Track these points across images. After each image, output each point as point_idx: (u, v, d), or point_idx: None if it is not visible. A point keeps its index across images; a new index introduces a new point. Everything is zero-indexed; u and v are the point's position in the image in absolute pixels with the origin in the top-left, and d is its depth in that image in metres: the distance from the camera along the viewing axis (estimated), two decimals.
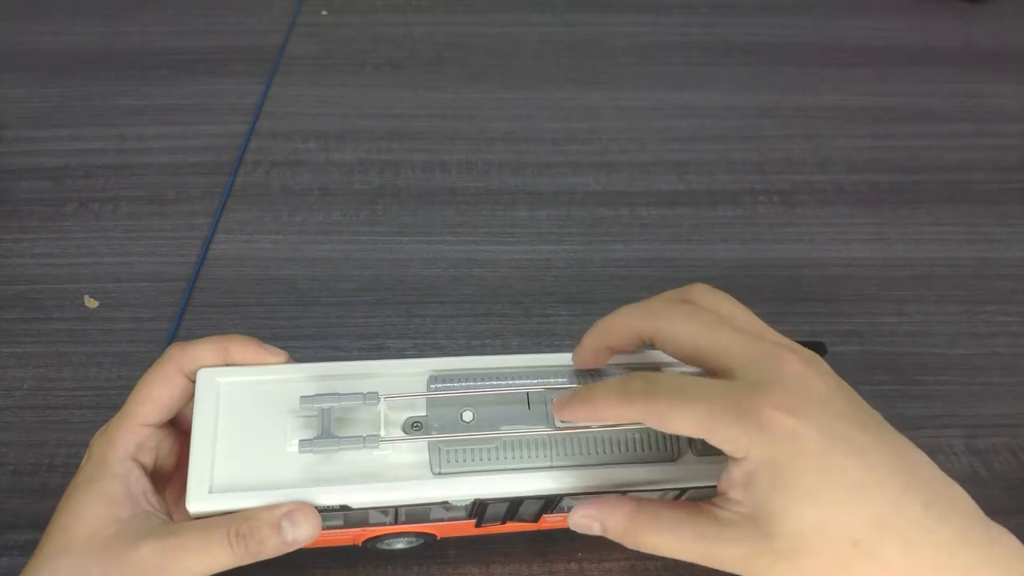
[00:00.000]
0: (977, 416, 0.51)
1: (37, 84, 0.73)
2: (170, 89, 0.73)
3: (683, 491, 0.37)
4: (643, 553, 0.42)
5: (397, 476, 0.35)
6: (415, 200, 0.64)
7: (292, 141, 0.69)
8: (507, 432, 0.36)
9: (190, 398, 0.37)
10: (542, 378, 0.37)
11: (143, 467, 0.36)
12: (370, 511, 0.36)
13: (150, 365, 0.38)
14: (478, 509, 0.37)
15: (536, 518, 0.39)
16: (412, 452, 0.35)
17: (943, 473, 0.32)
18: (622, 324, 0.36)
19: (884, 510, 0.31)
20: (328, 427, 0.35)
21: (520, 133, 0.71)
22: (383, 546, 0.41)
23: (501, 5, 0.87)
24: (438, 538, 0.41)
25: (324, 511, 0.34)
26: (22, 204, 0.62)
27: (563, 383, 0.37)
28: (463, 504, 0.36)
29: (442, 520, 0.38)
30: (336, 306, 0.55)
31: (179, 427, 0.39)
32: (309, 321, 0.54)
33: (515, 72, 0.78)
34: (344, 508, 0.35)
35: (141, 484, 0.36)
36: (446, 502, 0.35)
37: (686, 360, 0.34)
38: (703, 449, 0.36)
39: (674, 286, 0.42)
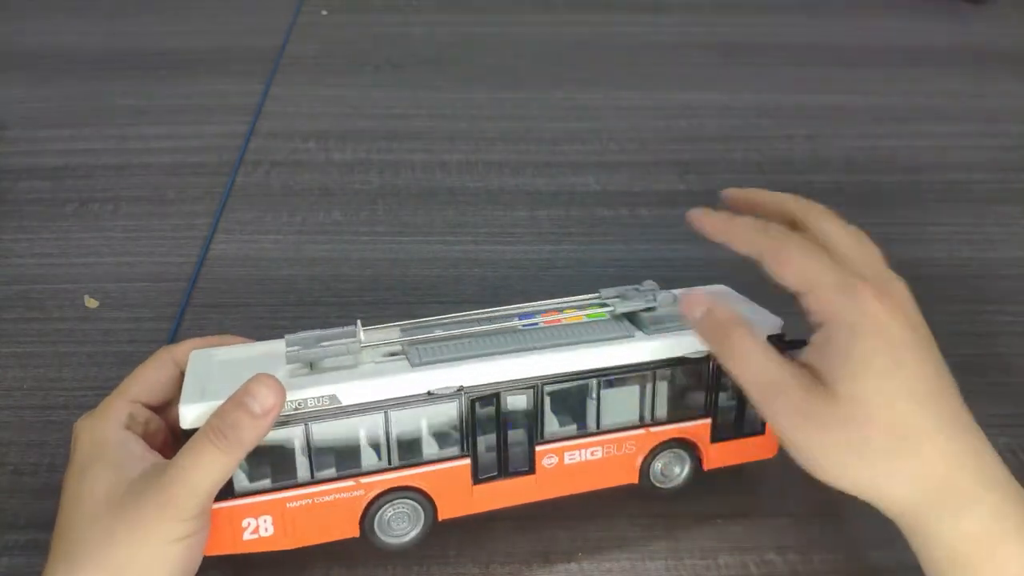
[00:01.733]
0: (977, 416, 0.50)
1: (37, 84, 0.73)
2: (170, 89, 0.73)
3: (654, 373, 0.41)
4: (643, 553, 0.42)
5: (380, 374, 0.37)
6: (415, 200, 0.64)
7: (292, 141, 0.69)
8: (478, 328, 0.39)
9: (179, 386, 0.38)
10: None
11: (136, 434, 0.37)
12: (362, 446, 0.37)
13: None
14: (469, 430, 0.38)
15: (530, 459, 0.40)
16: (393, 364, 0.38)
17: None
18: (743, 242, 0.38)
19: (939, 423, 0.34)
20: (312, 343, 0.38)
21: (520, 133, 0.71)
22: (383, 535, 0.40)
23: (501, 5, 0.87)
24: (438, 516, 0.40)
25: (314, 416, 0.36)
26: (22, 204, 0.62)
27: (527, 309, 0.41)
28: (447, 392, 0.37)
29: (435, 460, 0.39)
30: (336, 306, 0.55)
31: (168, 423, 0.39)
32: (309, 321, 0.54)
33: (515, 72, 0.78)
34: (333, 402, 0.36)
35: (140, 443, 0.37)
36: (430, 393, 0.37)
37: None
38: (654, 329, 0.40)
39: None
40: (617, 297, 0.42)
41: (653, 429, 0.42)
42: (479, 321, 0.40)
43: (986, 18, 0.89)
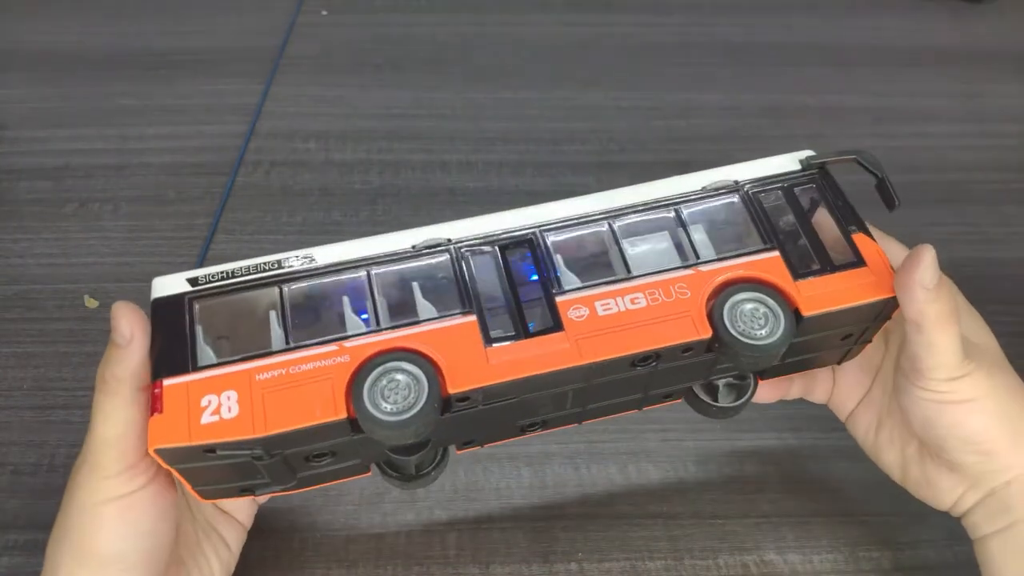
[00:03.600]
0: None
1: (37, 84, 0.73)
2: (170, 89, 0.73)
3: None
4: (643, 553, 0.42)
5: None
6: (415, 200, 0.64)
7: (292, 141, 0.69)
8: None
9: None
10: None
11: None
12: (345, 312, 0.33)
13: None
14: (467, 285, 0.33)
15: (552, 313, 0.33)
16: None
17: None
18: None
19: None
20: None
21: (520, 133, 0.71)
22: (376, 412, 0.31)
23: (501, 5, 0.87)
24: (446, 387, 0.31)
25: (288, 278, 0.33)
26: (22, 204, 0.62)
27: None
28: (433, 244, 0.34)
29: (433, 319, 0.33)
30: None
31: None
32: None
33: (515, 72, 0.78)
34: (310, 261, 0.34)
35: None
36: (414, 247, 0.34)
37: None
38: None
39: None
40: None
41: (704, 268, 0.34)
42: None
43: (986, 18, 0.89)
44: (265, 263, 0.34)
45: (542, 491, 0.45)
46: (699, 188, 0.36)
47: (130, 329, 0.32)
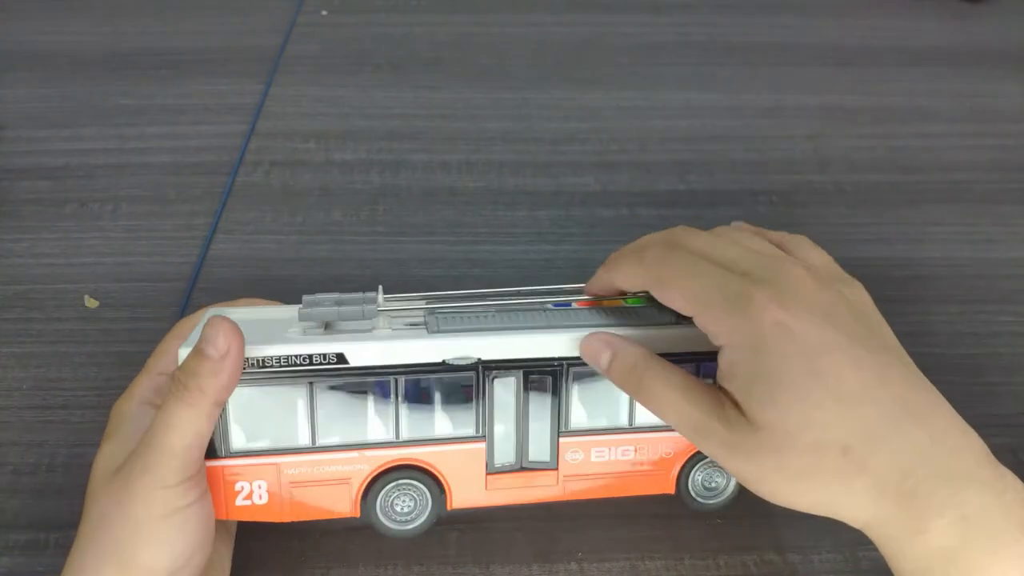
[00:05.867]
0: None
1: (37, 84, 0.73)
2: (170, 89, 0.73)
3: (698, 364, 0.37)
4: (643, 553, 0.42)
5: (394, 338, 0.36)
6: (415, 200, 0.64)
7: (292, 141, 0.69)
8: (504, 301, 0.37)
9: None
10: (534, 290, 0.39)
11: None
12: (369, 416, 0.36)
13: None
14: (486, 409, 0.37)
15: (552, 451, 0.38)
16: (410, 331, 0.36)
17: (952, 410, 0.32)
18: (626, 278, 0.36)
19: (879, 426, 0.30)
20: (330, 304, 0.36)
21: (520, 133, 0.71)
22: (384, 519, 0.38)
23: (501, 5, 0.87)
24: (448, 504, 0.38)
25: (320, 373, 0.35)
26: (22, 204, 0.62)
27: (553, 289, 0.39)
28: (465, 362, 0.36)
29: (447, 440, 0.37)
30: None
31: None
32: None
33: (515, 72, 0.78)
34: (341, 361, 0.35)
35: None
36: (445, 362, 0.35)
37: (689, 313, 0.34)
38: None
39: None
40: None
41: None
42: (508, 297, 0.39)
43: (986, 18, 0.89)
44: (297, 356, 0.34)
45: None
46: None
47: (227, 344, 0.32)
